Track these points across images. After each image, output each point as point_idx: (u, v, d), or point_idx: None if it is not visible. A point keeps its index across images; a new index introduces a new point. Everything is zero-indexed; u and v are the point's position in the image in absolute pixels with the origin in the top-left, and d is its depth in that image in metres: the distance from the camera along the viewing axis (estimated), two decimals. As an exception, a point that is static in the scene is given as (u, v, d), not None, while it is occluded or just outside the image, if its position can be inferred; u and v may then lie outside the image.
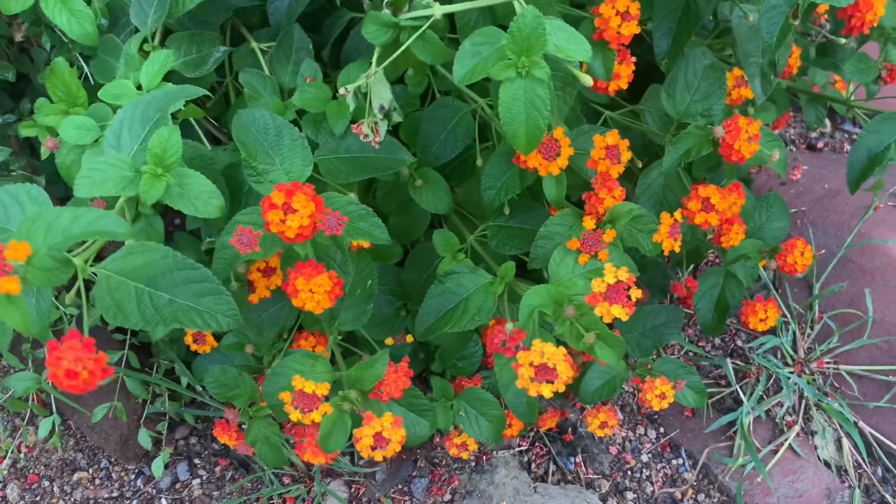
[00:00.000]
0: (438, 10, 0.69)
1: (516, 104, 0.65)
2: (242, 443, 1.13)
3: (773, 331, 1.55)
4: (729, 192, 1.09)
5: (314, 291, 0.81)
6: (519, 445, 1.48)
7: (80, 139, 0.89)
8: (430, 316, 0.94)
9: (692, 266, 1.59)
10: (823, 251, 1.62)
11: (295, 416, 0.85)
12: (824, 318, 1.55)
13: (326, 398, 0.89)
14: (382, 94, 0.74)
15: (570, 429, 1.50)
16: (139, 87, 0.92)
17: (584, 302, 0.80)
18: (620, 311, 0.78)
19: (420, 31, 0.70)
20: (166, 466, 1.42)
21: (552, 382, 0.78)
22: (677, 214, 0.92)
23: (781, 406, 1.47)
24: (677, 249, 0.93)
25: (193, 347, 1.16)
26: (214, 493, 1.40)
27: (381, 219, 1.11)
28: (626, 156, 0.88)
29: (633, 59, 0.90)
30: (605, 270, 0.79)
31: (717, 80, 1.02)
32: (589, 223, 0.88)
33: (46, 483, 1.42)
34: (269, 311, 1.00)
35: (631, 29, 0.81)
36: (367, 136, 0.79)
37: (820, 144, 1.83)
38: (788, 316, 1.56)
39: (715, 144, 0.95)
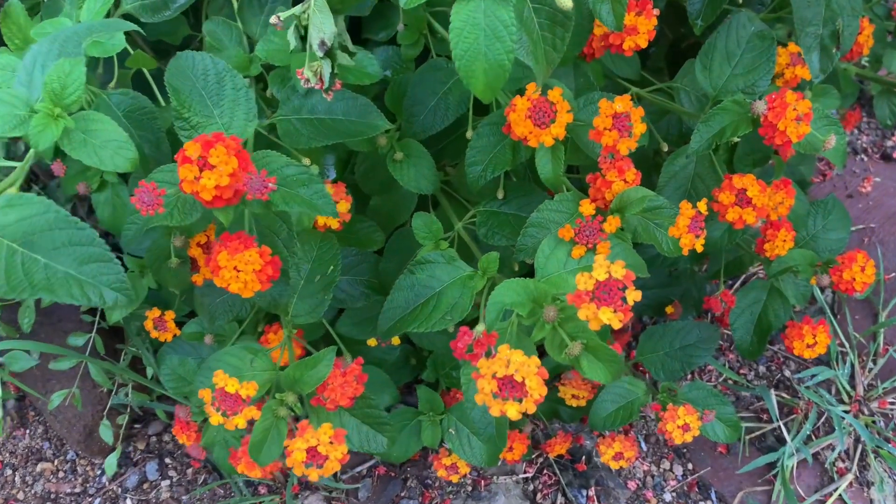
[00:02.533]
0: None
1: (472, 31, 0.50)
2: (195, 445, 1.00)
3: (827, 362, 1.34)
4: (776, 189, 0.91)
5: (240, 270, 0.66)
6: (524, 472, 1.32)
7: (4, 80, 0.77)
8: (396, 311, 0.79)
9: (734, 279, 1.40)
10: (894, 274, 1.41)
11: (215, 418, 0.71)
12: (889, 352, 1.34)
13: (260, 401, 0.75)
14: (323, 26, 0.60)
15: (583, 457, 1.32)
16: (79, 27, 0.80)
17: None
18: (611, 316, 0.61)
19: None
20: (135, 464, 1.30)
21: (520, 400, 0.62)
22: (701, 205, 0.74)
23: (832, 450, 1.27)
24: (699, 248, 0.75)
25: (153, 335, 1.03)
26: (183, 497, 1.27)
27: (362, 199, 0.98)
28: (640, 128, 0.72)
29: (657, 11, 0.73)
30: (596, 264, 0.62)
31: (765, 51, 0.84)
32: (587, 208, 0.71)
33: (9, 472, 1.31)
34: (224, 297, 0.86)
35: (648, -36, 0.65)
36: (307, 80, 0.64)
37: (897, 154, 1.61)
38: (847, 346, 1.35)
39: (755, 124, 0.77)
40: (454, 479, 1.14)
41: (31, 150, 0.62)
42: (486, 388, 0.62)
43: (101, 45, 0.79)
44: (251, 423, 0.72)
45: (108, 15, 0.87)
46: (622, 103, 0.71)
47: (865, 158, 1.62)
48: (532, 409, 0.62)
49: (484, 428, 0.94)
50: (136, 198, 0.62)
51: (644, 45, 0.74)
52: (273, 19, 0.60)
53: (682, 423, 1.03)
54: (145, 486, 1.29)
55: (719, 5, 0.79)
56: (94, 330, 1.20)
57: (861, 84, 1.14)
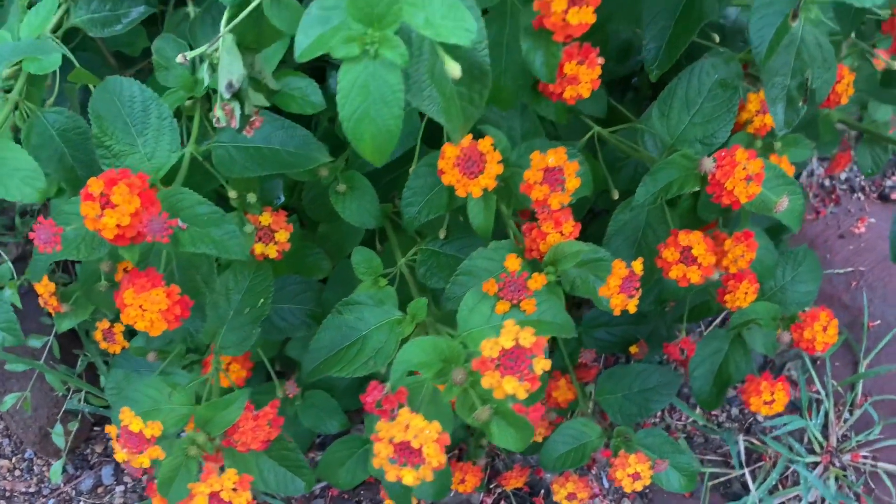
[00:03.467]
0: (294, -37, 0.52)
1: (359, 94, 0.47)
2: (130, 465, 0.98)
3: (802, 409, 1.30)
4: (737, 241, 0.88)
5: (145, 308, 0.64)
6: (482, 502, 1.29)
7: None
8: (321, 352, 0.76)
9: (711, 320, 1.36)
10: (879, 322, 1.36)
11: (119, 455, 0.69)
12: (865, 405, 1.29)
13: (171, 436, 0.73)
14: (232, 68, 0.57)
15: (542, 490, 1.30)
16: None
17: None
18: (516, 387, 0.58)
19: (272, -11, 0.53)
20: (91, 467, 1.30)
21: (417, 467, 0.59)
22: (637, 265, 0.71)
23: (799, 501, 1.23)
24: (632, 309, 0.72)
25: (102, 346, 1.02)
26: (137, 503, 1.27)
27: (309, 227, 0.96)
28: (573, 183, 0.68)
29: (601, 60, 0.70)
30: (504, 330, 0.59)
31: (726, 101, 0.80)
32: (513, 263, 0.68)
33: (-33, 467, 1.31)
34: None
35: (582, 17, 0.61)
36: (218, 120, 0.62)
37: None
38: (823, 394, 1.31)
39: (704, 181, 0.74)
40: (402, 509, 1.12)
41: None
42: (382, 453, 0.59)
43: (37, 61, 0.77)
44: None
45: (56, 28, 0.86)
46: (555, 157, 0.67)
47: (862, 197, 1.56)
48: (430, 477, 0.60)
49: (389, 487, 0.91)
50: (35, 234, 0.60)
51: (587, 94, 0.71)
52: (179, 58, 0.58)
53: (632, 472, 1.00)
54: (99, 490, 1.29)
55: (676, 52, 0.75)
56: (53, 333, 1.19)
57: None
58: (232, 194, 0.74)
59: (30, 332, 1.21)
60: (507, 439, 0.64)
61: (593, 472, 1.32)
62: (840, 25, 0.74)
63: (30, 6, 0.83)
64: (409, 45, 0.51)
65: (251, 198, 0.81)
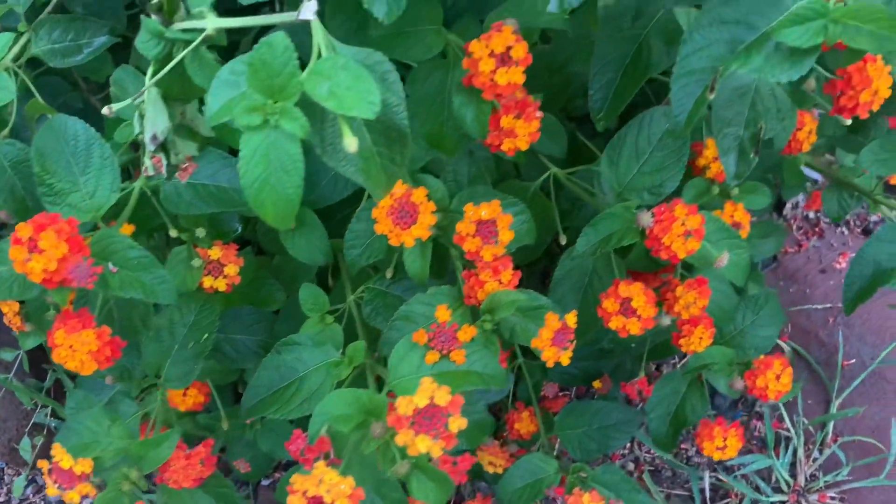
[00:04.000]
0: (211, 24, 0.52)
1: (259, 162, 0.47)
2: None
3: (774, 446, 1.29)
4: (689, 287, 0.87)
5: (75, 349, 0.65)
6: (445, 527, 1.29)
7: None
8: (260, 390, 0.77)
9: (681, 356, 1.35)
10: (854, 360, 1.35)
11: (51, 490, 0.70)
12: (837, 443, 1.29)
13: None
14: (156, 120, 0.58)
15: (506, 519, 1.30)
16: (-26, 72, 0.80)
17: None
18: (430, 445, 0.59)
19: (192, 46, 0.53)
20: (61, 479, 1.31)
21: (330, 521, 0.60)
22: (570, 318, 0.71)
23: (763, 540, 1.22)
24: (565, 362, 0.72)
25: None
26: (104, 517, 1.28)
27: (263, 257, 0.96)
28: (507, 236, 0.69)
29: (540, 114, 0.70)
30: (420, 388, 0.59)
31: (676, 151, 0.80)
32: (443, 314, 0.68)
33: (-60, 473, 1.33)
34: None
35: (511, 78, 0.61)
36: (146, 169, 0.62)
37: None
38: (792, 431, 1.30)
39: (643, 234, 0.74)
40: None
41: None
42: (295, 504, 0.60)
43: (-9, 94, 0.79)
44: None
45: (18, 57, 0.87)
46: (488, 210, 0.68)
47: (846, 231, 1.55)
48: (342, 532, 0.60)
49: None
50: (-39, 276, 0.61)
51: (525, 146, 0.71)
52: (105, 110, 0.59)
53: (585, 511, 1.00)
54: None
55: (622, 103, 0.75)
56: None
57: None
58: (172, 233, 0.75)
59: (3, 345, 1.22)
60: (426, 494, 0.64)
61: None
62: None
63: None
64: (321, 111, 0.52)
65: (200, 232, 0.81)
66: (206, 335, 0.81)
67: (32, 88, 0.86)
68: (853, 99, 0.67)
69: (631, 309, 0.76)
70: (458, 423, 0.60)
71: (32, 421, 1.24)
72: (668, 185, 0.80)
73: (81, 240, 0.62)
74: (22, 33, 0.88)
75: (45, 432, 1.25)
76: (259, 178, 0.48)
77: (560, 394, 1.29)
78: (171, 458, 0.72)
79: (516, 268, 0.92)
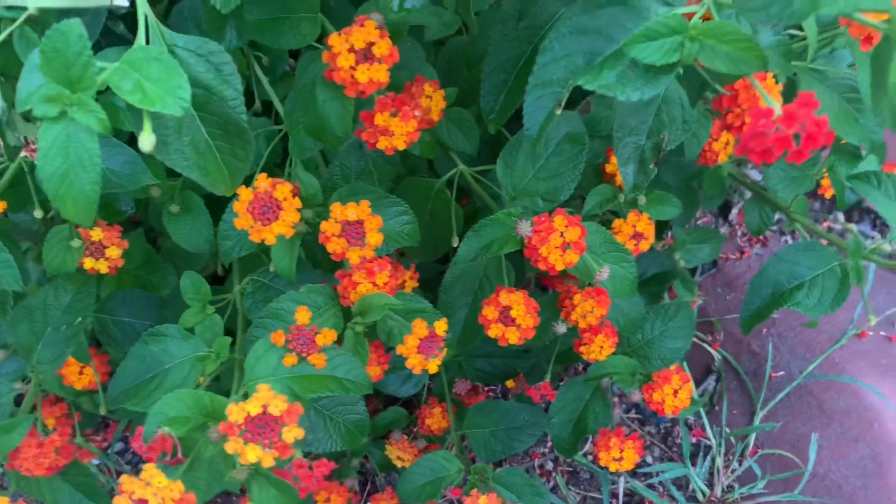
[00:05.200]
0: (32, 4, 0.49)
1: (58, 155, 0.45)
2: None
3: (685, 457, 1.28)
4: (587, 296, 0.85)
5: (-88, 331, 0.63)
6: (357, 517, 1.28)
7: None
8: (125, 380, 0.74)
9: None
10: (782, 373, 1.33)
11: None
12: (757, 455, 1.27)
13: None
14: (-12, 101, 0.55)
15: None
16: None
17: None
18: (261, 455, 0.56)
19: (16, 24, 0.50)
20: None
21: (158, 526, 0.58)
22: (440, 325, 0.69)
23: (673, 549, 1.21)
24: (433, 370, 0.70)
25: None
26: None
27: (154, 240, 0.93)
28: (375, 239, 0.66)
29: (417, 114, 0.67)
30: (254, 397, 0.57)
31: (573, 158, 0.78)
32: (302, 316, 0.66)
33: None
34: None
35: (373, 75, 0.58)
36: (-14, 149, 0.60)
37: (824, 242, 1.52)
38: (712, 441, 1.29)
39: (522, 243, 0.71)
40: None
41: None
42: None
43: None
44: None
45: None
46: (356, 211, 0.65)
47: (791, 241, 1.53)
48: (170, 535, 0.58)
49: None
50: None
51: (403, 146, 0.68)
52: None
53: (482, 513, 0.98)
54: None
55: (514, 105, 0.72)
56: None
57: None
58: (37, 213, 0.72)
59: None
60: (267, 501, 0.62)
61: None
62: (688, 93, 0.70)
63: None
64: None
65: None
66: (78, 319, 0.78)
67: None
68: (740, 117, 0.64)
69: (510, 318, 0.73)
70: (293, 434, 0.58)
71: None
72: (564, 191, 0.78)
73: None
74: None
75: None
76: (58, 172, 0.45)
77: (482, 389, 1.27)
78: (22, 446, 0.69)
79: (418, 266, 0.90)
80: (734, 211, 1.52)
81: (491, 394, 1.38)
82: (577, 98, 0.95)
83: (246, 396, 0.66)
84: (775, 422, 1.29)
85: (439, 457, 1.05)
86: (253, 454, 0.56)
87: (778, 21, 0.42)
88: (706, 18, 0.52)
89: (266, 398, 0.57)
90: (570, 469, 1.32)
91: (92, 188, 0.45)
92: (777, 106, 0.45)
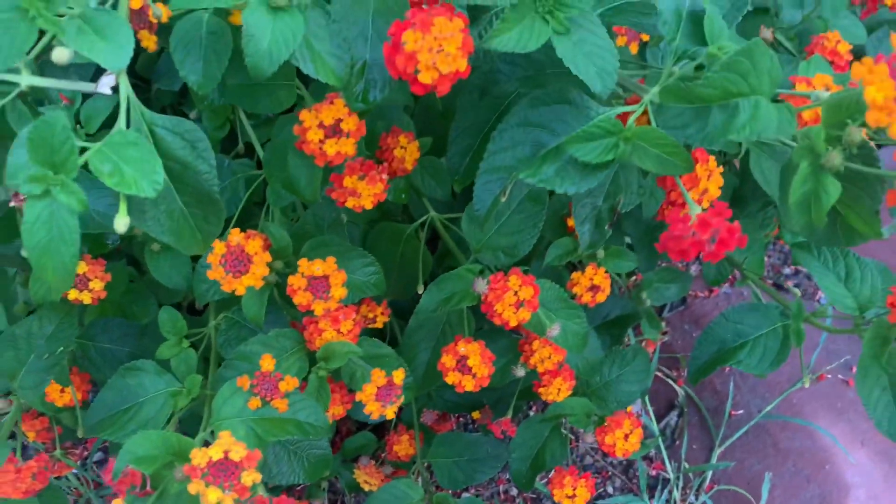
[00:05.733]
0: (25, 81, 0.54)
1: (41, 229, 0.49)
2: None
3: (641, 490, 1.33)
4: (544, 343, 0.90)
5: None
6: (325, 535, 1.33)
7: None
8: (102, 410, 0.79)
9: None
10: (742, 412, 1.38)
11: None
12: (712, 491, 1.32)
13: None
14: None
15: (384, 533, 1.33)
16: None
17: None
18: (221, 496, 0.61)
19: (8, 98, 0.55)
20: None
21: (122, 557, 0.62)
22: (398, 375, 0.73)
23: (627, 579, 1.26)
24: (390, 415, 0.75)
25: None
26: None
27: (136, 270, 0.98)
28: (339, 293, 0.71)
29: (384, 177, 0.72)
30: (216, 443, 0.62)
31: (534, 216, 0.82)
32: (267, 363, 0.71)
33: None
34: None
35: (341, 148, 0.63)
36: (-24, 201, 0.64)
37: (789, 283, 1.57)
38: (671, 475, 1.34)
39: (478, 299, 0.76)
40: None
41: None
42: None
43: None
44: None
45: None
46: (322, 266, 0.70)
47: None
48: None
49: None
50: None
51: (370, 206, 0.72)
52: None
53: (440, 540, 1.03)
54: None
55: (476, 168, 0.77)
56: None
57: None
58: (24, 252, 0.76)
59: None
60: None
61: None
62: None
63: None
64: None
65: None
66: (61, 348, 0.83)
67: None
68: (681, 196, 0.69)
69: (467, 367, 0.78)
70: (251, 477, 0.62)
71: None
72: (523, 247, 0.83)
73: None
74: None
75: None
76: (41, 244, 0.50)
77: (451, 417, 1.32)
78: (1, 471, 0.74)
79: (390, 304, 0.94)
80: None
81: (461, 419, 1.42)
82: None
83: (213, 433, 0.71)
84: (733, 459, 1.34)
85: (402, 484, 1.09)
86: (213, 496, 0.61)
87: (693, 141, 0.47)
88: (646, 116, 0.57)
89: (228, 444, 0.62)
90: (534, 496, 1.36)
91: (71, 260, 0.50)
92: (695, 212, 0.50)
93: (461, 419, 1.43)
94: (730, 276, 1.06)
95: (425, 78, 0.49)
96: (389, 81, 0.56)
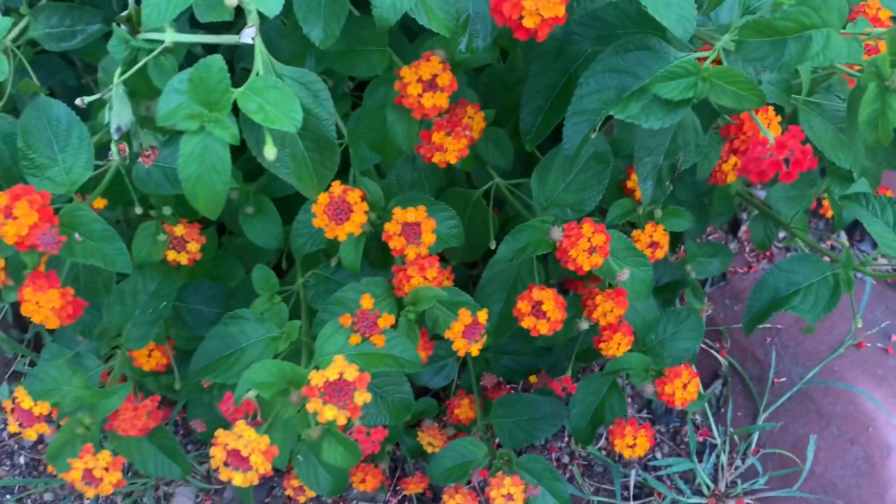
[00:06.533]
0: (169, 38, 0.61)
1: (195, 161, 0.56)
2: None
3: (692, 452, 1.38)
4: (607, 297, 0.96)
5: (41, 305, 0.75)
6: (387, 501, 1.39)
7: None
8: (206, 357, 0.86)
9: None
10: (784, 379, 1.44)
11: (12, 427, 0.79)
12: (759, 454, 1.37)
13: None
14: (121, 114, 0.67)
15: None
16: (-24, 50, 0.89)
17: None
18: (336, 414, 0.68)
19: (153, 54, 0.62)
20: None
21: (246, 472, 0.69)
22: (482, 315, 0.80)
23: (678, 538, 1.31)
24: (475, 352, 0.81)
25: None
26: (71, 464, 1.38)
27: (227, 237, 1.05)
28: (429, 238, 0.77)
29: (468, 133, 0.79)
30: (332, 365, 0.69)
31: (599, 174, 0.89)
32: (366, 301, 0.77)
33: (-75, 410, 1.43)
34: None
35: (436, 101, 0.70)
36: (111, 154, 0.71)
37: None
38: (717, 439, 1.39)
39: (554, 246, 0.83)
40: (301, 499, 1.21)
41: None
42: (217, 456, 0.69)
43: (-13, 70, 0.87)
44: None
45: (16, 39, 0.95)
46: (415, 214, 0.76)
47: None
48: (255, 481, 0.69)
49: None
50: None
51: (454, 160, 0.79)
52: (78, 101, 0.68)
53: (506, 493, 1.09)
54: (40, 446, 1.40)
55: (549, 127, 0.83)
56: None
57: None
58: (138, 210, 0.84)
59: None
60: (335, 456, 0.73)
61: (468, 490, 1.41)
62: (701, 121, 0.81)
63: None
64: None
65: (167, 210, 0.90)
66: (164, 303, 0.90)
67: (28, 68, 0.95)
68: (744, 143, 0.75)
69: (542, 311, 0.85)
70: (363, 397, 0.69)
71: (12, 369, 1.34)
72: (589, 203, 0.89)
73: (51, 211, 0.71)
74: (23, 16, 0.97)
75: (20, 379, 1.35)
76: (194, 175, 0.57)
77: (504, 385, 1.38)
78: (121, 409, 0.81)
79: (454, 267, 1.01)
80: (742, 228, 1.63)
81: (511, 391, 1.48)
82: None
83: (317, 370, 0.78)
84: (773, 423, 1.39)
85: (467, 442, 1.16)
86: (330, 413, 0.68)
87: (773, 68, 0.53)
88: (717, 62, 0.63)
89: (342, 366, 0.68)
90: (585, 462, 1.42)
91: (222, 188, 0.57)
92: (771, 136, 0.56)
93: (511, 390, 1.49)
94: (771, 245, 1.12)
95: (529, 23, 0.56)
96: (490, 32, 0.63)
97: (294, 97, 0.57)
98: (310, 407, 0.68)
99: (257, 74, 0.59)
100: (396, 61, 0.78)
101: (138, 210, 0.84)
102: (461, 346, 0.79)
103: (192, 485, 1.34)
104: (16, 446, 1.39)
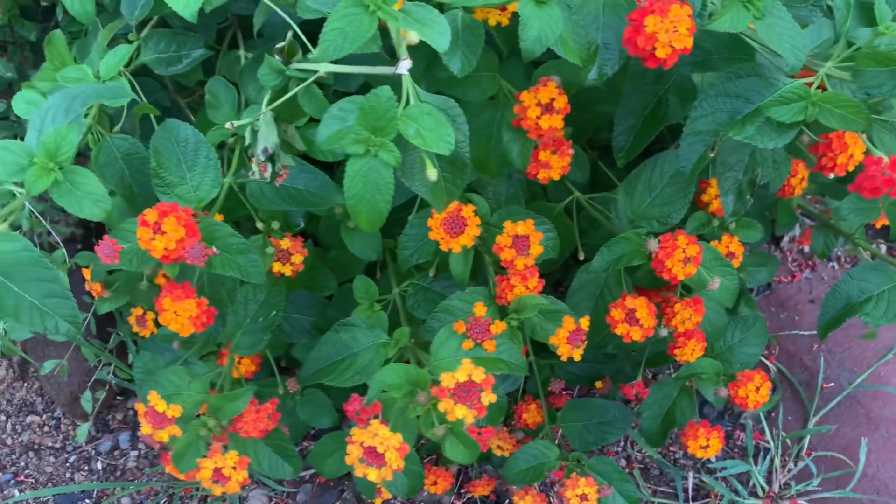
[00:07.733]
0: (324, 69, 0.67)
1: (360, 182, 0.62)
2: (151, 437, 1.14)
3: (749, 455, 1.43)
4: (686, 305, 1.02)
5: (179, 314, 0.80)
6: (453, 503, 1.44)
7: (27, 114, 0.92)
8: (318, 362, 0.91)
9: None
10: (832, 384, 1.49)
11: (145, 429, 0.85)
12: (811, 456, 1.42)
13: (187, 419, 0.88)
14: (268, 137, 0.72)
15: (507, 501, 1.44)
16: (98, 76, 0.94)
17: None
18: (465, 413, 0.73)
19: (306, 83, 0.68)
20: (111, 431, 1.46)
21: (380, 468, 0.74)
22: (584, 322, 0.85)
23: (736, 538, 1.36)
24: (577, 358, 0.86)
25: (134, 329, 1.18)
26: (147, 468, 1.43)
27: (321, 250, 1.11)
28: (537, 250, 0.83)
29: (571, 151, 0.84)
30: (461, 367, 0.74)
31: (683, 188, 0.94)
32: (479, 310, 0.83)
33: (3, 418, 1.48)
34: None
35: (552, 123, 0.76)
36: (253, 173, 0.77)
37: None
38: (771, 442, 1.44)
39: (650, 257, 0.88)
40: (377, 502, 1.26)
41: (25, 193, 0.77)
42: (353, 453, 0.74)
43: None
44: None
45: (128, 64, 1.01)
46: (524, 227, 0.82)
47: (837, 266, 1.69)
48: (389, 477, 0.75)
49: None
50: (99, 249, 0.76)
51: (557, 177, 0.85)
52: (227, 125, 0.74)
53: (580, 493, 1.14)
54: (116, 452, 1.45)
55: (640, 145, 0.89)
56: (92, 311, 1.36)
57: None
58: (259, 225, 0.89)
59: (72, 307, 1.37)
60: (456, 454, 0.78)
61: (555, 489, 1.46)
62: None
63: (109, 45, 0.99)
64: (405, 143, 0.66)
65: (275, 224, 0.96)
66: (273, 312, 0.95)
67: (139, 91, 1.01)
68: (832, 160, 0.81)
69: (635, 318, 0.90)
70: (489, 398, 0.74)
71: (94, 377, 1.39)
72: (674, 216, 0.95)
73: (195, 225, 0.77)
74: (131, 42, 1.03)
75: (106, 388, 1.40)
76: (358, 194, 0.62)
77: (564, 391, 1.43)
78: (245, 411, 0.86)
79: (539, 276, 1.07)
80: (786, 238, 1.68)
81: (568, 397, 1.54)
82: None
83: (431, 374, 0.83)
84: (826, 426, 1.44)
85: (540, 445, 1.21)
86: (461, 412, 0.73)
87: (890, 95, 0.59)
88: (820, 87, 0.69)
89: (470, 369, 0.74)
90: (642, 466, 1.47)
91: (384, 206, 0.63)
92: (885, 157, 0.62)
93: (569, 396, 1.54)
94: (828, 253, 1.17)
95: (661, 53, 0.61)
96: (618, 59, 0.69)
97: (446, 123, 0.63)
98: (441, 407, 0.74)
99: (407, 103, 0.65)
100: (505, 85, 0.84)
101: (260, 225, 0.89)
102: (565, 352, 0.85)
103: (267, 486, 1.38)
104: (93, 452, 1.44)
